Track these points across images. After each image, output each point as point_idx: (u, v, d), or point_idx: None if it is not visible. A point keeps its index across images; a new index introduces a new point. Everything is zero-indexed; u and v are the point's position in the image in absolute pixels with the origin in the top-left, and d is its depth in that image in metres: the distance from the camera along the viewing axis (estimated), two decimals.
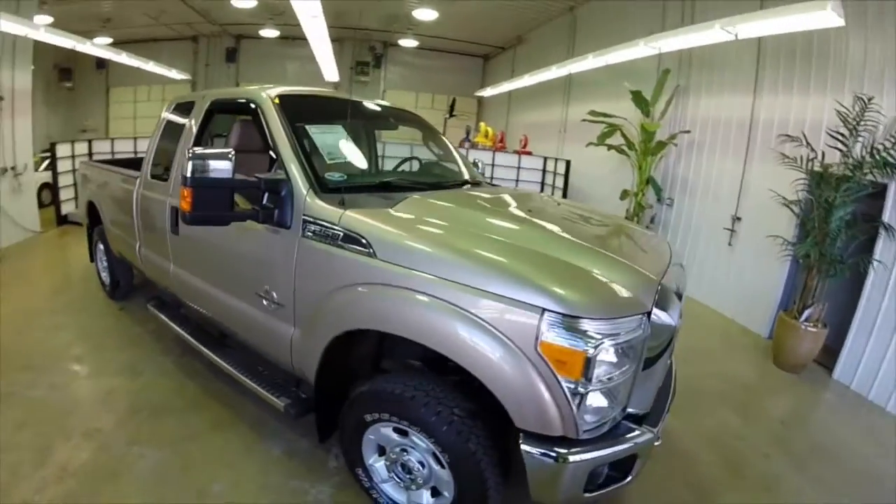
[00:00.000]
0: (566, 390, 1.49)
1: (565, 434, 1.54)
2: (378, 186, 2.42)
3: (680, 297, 2.16)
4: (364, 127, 3.40)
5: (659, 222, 6.41)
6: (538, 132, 10.24)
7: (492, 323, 1.56)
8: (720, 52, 5.28)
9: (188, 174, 1.86)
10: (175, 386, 3.05)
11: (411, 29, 11.27)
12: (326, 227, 1.97)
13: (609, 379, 1.53)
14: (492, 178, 9.15)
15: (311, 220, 2.02)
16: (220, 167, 1.91)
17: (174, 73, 11.78)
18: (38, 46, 7.00)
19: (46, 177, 7.84)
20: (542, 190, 9.32)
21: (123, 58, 9.48)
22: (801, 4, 3.45)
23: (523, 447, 1.57)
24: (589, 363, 1.46)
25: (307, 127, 2.42)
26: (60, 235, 6.90)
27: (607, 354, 1.50)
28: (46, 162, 8.01)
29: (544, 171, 9.34)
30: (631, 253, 2.10)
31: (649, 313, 1.63)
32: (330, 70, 11.25)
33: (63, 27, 11.31)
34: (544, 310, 1.48)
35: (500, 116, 12.84)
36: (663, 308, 1.75)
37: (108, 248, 4.08)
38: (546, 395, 1.51)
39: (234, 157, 1.94)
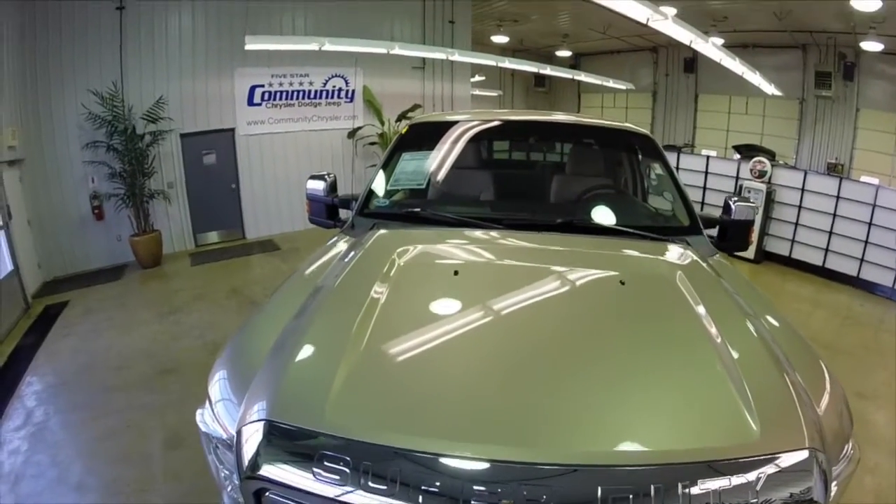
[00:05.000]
0: None
1: None
2: (411, 215, 2.23)
3: None
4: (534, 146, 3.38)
5: None
6: None
7: None
8: None
9: (306, 189, 2.44)
10: None
11: (874, 28, 8.24)
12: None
13: None
14: None
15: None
16: (314, 186, 2.39)
17: (619, 84, 13.22)
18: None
19: None
20: None
21: (548, 70, 11.88)
22: None
23: None
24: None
25: (403, 154, 2.54)
26: None
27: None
28: None
29: None
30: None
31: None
32: (765, 85, 10.50)
33: (532, 41, 13.99)
34: None
35: None
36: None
37: None
38: None
39: (330, 178, 2.39)
